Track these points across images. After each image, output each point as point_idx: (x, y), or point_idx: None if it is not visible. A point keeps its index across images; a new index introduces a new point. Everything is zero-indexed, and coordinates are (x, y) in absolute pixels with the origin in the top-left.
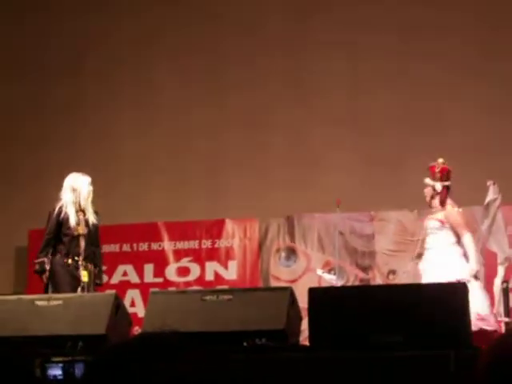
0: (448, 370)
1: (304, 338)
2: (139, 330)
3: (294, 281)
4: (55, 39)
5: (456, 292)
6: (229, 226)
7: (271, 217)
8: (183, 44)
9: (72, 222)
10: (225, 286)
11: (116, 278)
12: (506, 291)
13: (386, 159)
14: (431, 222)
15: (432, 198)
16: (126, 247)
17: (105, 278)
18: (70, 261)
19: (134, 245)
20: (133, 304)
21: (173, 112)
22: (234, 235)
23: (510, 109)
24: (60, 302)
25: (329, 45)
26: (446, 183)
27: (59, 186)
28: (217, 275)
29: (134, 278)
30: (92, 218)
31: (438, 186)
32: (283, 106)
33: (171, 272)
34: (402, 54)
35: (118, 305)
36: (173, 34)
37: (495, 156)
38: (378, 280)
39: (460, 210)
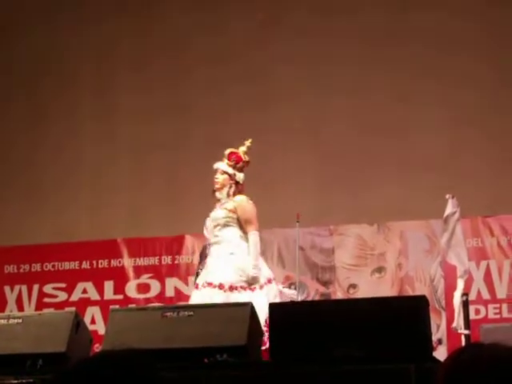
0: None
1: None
2: (100, 348)
3: None
4: (14, 52)
5: (417, 305)
6: (189, 241)
7: None
8: (144, 54)
9: None
10: (185, 302)
11: (76, 296)
12: (465, 304)
13: (344, 173)
14: (221, 212)
15: (229, 187)
16: (85, 264)
17: (64, 295)
18: None
19: (94, 262)
20: (93, 321)
21: (132, 126)
22: (194, 251)
23: (469, 121)
24: (19, 320)
25: (289, 58)
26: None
27: (20, 199)
28: (177, 291)
29: (93, 295)
30: None
31: (241, 176)
32: (241, 118)
33: (131, 289)
34: (360, 62)
35: (78, 322)
36: (133, 43)
37: (454, 169)
38: (339, 294)
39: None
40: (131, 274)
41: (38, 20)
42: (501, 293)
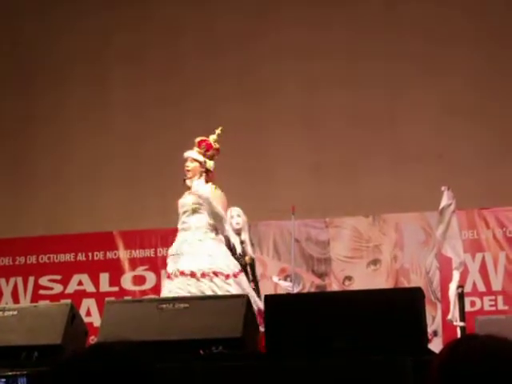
0: (405, 376)
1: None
2: (95, 340)
3: None
4: (9, 45)
5: (412, 297)
6: None
7: None
8: (137, 47)
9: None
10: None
11: (71, 288)
12: (461, 296)
13: (339, 165)
14: (191, 198)
15: (200, 175)
16: (81, 256)
17: (60, 287)
18: None
19: (89, 254)
20: (88, 313)
21: (126, 119)
22: None
23: (465, 113)
24: (15, 312)
25: (280, 50)
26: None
27: (15, 191)
28: None
29: (89, 287)
30: (250, 251)
31: (211, 164)
32: (234, 111)
33: (127, 281)
34: (352, 54)
35: (73, 314)
36: (125, 37)
37: (450, 161)
38: (334, 286)
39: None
40: (127, 266)
41: (32, 15)
42: (496, 285)
